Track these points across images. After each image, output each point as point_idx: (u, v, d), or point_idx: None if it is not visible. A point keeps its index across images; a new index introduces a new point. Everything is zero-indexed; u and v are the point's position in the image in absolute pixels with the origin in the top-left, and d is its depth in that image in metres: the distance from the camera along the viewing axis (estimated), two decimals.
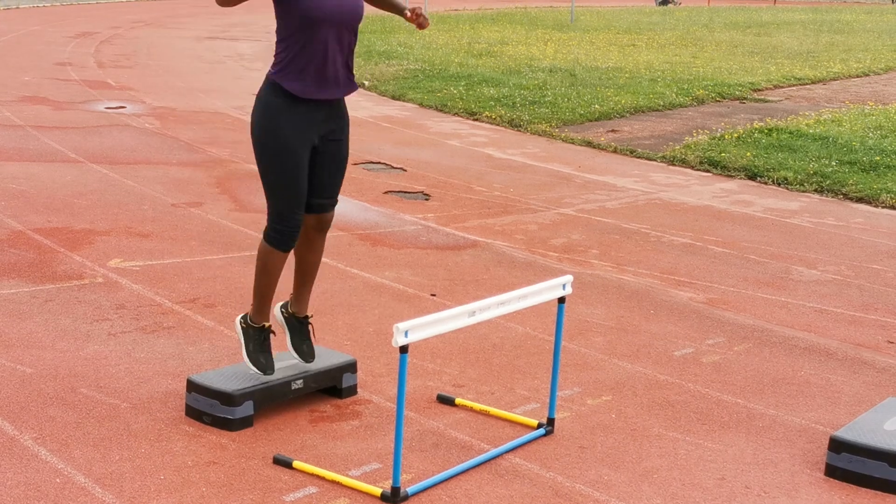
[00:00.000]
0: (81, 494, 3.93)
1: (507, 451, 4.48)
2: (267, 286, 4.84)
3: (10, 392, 4.78)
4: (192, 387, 4.63)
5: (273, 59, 4.67)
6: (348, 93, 4.85)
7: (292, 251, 4.85)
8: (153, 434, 4.46)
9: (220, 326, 5.76)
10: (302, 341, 4.92)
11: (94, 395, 4.81)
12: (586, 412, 4.96)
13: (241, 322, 4.86)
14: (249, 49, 21.55)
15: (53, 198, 8.39)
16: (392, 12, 5.14)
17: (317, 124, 4.76)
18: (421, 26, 4.97)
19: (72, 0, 34.09)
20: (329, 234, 7.70)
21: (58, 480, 4.02)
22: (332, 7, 4.56)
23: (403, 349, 3.85)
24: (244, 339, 4.78)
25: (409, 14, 4.92)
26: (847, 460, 4.36)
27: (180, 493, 3.98)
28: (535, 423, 4.73)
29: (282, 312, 5.01)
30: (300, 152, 4.70)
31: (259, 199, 8.67)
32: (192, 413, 4.62)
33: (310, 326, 4.97)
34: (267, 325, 4.84)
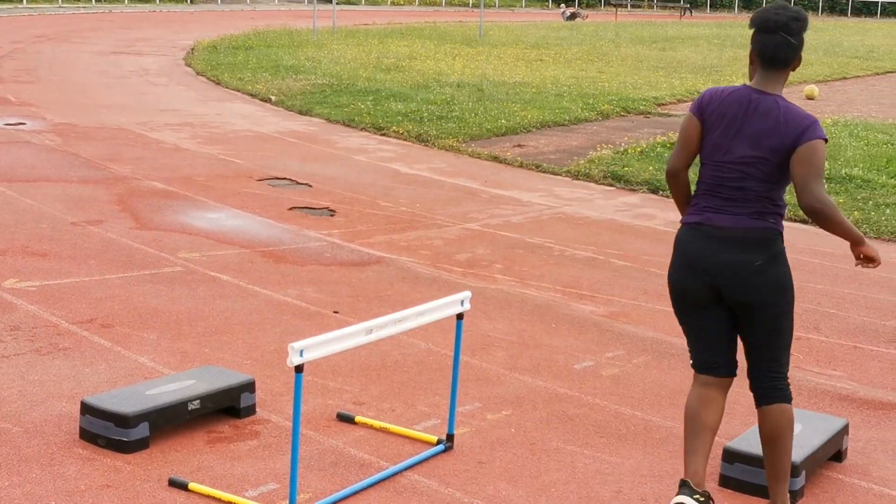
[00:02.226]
0: None
1: (407, 469, 4.49)
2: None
3: None
4: (87, 409, 4.56)
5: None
6: None
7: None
8: (45, 458, 4.38)
9: (118, 347, 5.68)
10: None
11: None
12: (486, 427, 4.98)
13: None
14: (155, 64, 21.29)
15: None
16: None
17: None
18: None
19: None
20: (230, 251, 7.71)
21: None
22: None
23: (299, 369, 3.83)
24: None
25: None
26: (740, 470, 4.45)
27: None
28: (434, 439, 4.74)
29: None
30: None
31: (160, 217, 8.59)
32: (87, 436, 4.55)
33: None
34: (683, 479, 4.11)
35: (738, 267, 4.02)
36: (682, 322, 4.32)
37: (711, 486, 4.47)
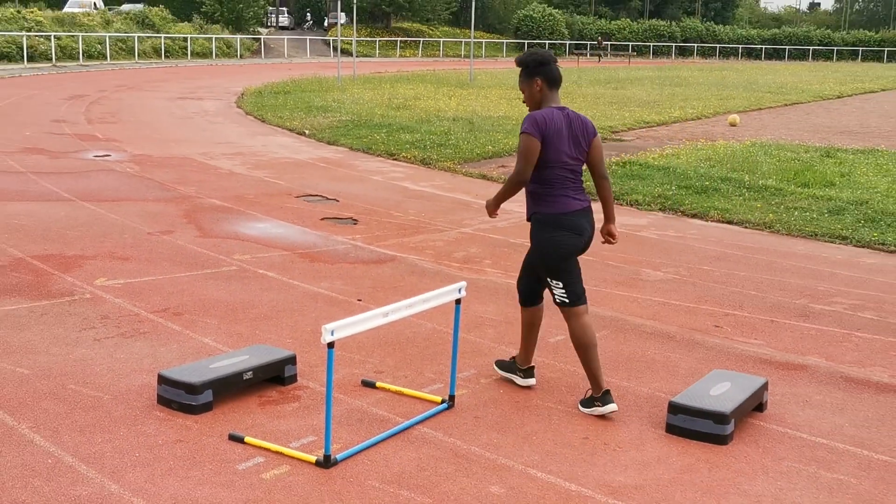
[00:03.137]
0: (69, 472, 3.83)
1: (418, 423, 4.47)
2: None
3: (10, 390, 4.65)
4: (163, 380, 4.55)
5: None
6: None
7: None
8: (130, 419, 4.37)
9: (187, 330, 5.66)
10: None
11: (80, 389, 4.69)
12: (480, 389, 4.97)
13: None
14: (212, 106, 21.27)
15: (49, 230, 8.19)
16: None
17: None
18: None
19: (65, 69, 33.35)
20: (275, 253, 7.69)
21: (49, 461, 3.92)
22: None
23: (330, 345, 3.82)
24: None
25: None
26: (682, 420, 4.44)
27: (152, 467, 3.90)
28: (439, 399, 4.73)
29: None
30: None
31: (218, 226, 8.58)
32: (163, 401, 4.54)
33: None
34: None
35: (592, 230, 4.76)
36: (566, 271, 4.73)
37: (660, 432, 4.47)
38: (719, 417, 4.35)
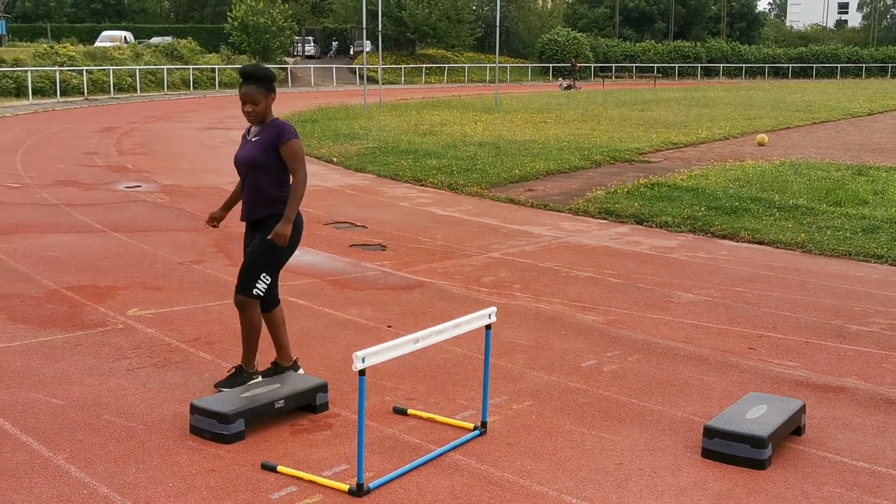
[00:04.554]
0: (104, 502, 3.84)
1: (450, 450, 4.44)
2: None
3: (46, 421, 4.67)
4: (195, 409, 4.56)
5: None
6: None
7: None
8: (163, 449, 4.38)
9: (218, 359, 5.68)
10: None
11: (114, 419, 4.71)
12: (512, 415, 4.93)
13: None
14: (240, 136, 21.42)
15: (82, 261, 8.27)
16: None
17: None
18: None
19: (97, 102, 33.83)
20: (305, 281, 7.71)
21: (84, 492, 3.93)
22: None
23: (361, 372, 3.81)
24: None
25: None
26: (718, 444, 4.38)
27: (185, 497, 3.90)
28: (471, 426, 4.70)
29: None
30: None
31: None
32: (195, 431, 4.54)
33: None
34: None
35: None
36: (278, 269, 5.08)
37: (695, 457, 4.41)
38: (757, 441, 4.28)
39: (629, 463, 4.36)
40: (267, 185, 4.98)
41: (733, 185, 13.03)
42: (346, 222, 10.60)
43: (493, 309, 4.60)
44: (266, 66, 5.35)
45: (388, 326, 6.50)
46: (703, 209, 11.19)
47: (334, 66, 55.61)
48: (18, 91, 33.44)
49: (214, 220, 5.28)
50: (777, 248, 9.49)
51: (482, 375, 5.15)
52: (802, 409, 4.72)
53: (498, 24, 33.94)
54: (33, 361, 5.56)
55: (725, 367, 5.80)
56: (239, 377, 5.10)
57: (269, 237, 4.93)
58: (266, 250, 4.97)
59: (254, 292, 4.97)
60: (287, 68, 52.62)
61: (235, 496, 3.92)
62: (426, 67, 59.05)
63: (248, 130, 5.14)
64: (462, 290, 7.59)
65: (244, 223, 5.16)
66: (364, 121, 24.13)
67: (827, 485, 4.18)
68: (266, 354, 5.51)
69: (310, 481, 4.06)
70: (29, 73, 33.70)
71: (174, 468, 4.17)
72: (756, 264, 8.74)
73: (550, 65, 65.42)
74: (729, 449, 4.34)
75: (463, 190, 13.17)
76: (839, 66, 77.34)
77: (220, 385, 5.07)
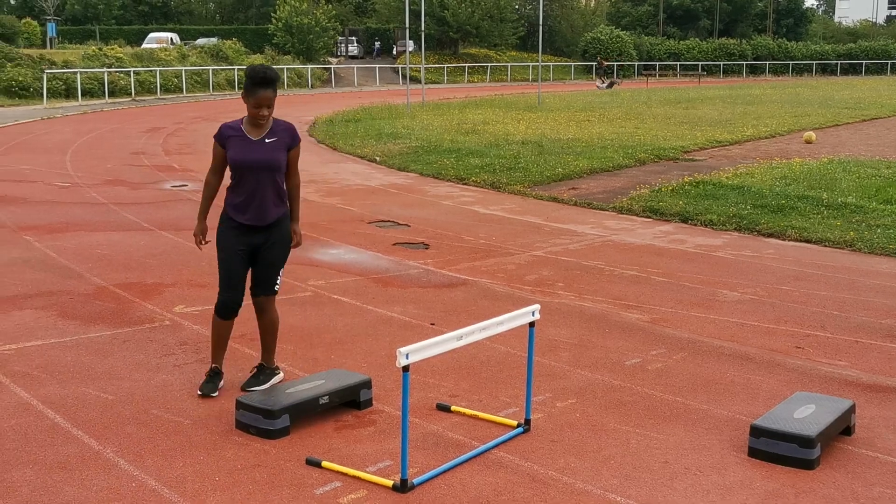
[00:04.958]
0: (152, 495, 3.89)
1: (493, 447, 4.44)
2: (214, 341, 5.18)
3: (96, 415, 4.75)
4: (241, 405, 4.61)
5: None
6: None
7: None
8: (209, 444, 4.43)
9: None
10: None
11: (162, 414, 4.78)
12: (556, 413, 4.92)
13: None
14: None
15: (130, 259, 8.39)
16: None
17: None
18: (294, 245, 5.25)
19: (144, 103, 34.31)
20: (349, 279, 7.75)
21: (133, 485, 3.99)
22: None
23: (405, 368, 3.83)
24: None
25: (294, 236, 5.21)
26: (765, 443, 4.33)
27: (231, 491, 3.95)
28: (514, 423, 4.69)
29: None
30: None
31: (293, 253, 8.67)
32: (241, 426, 4.59)
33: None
34: (214, 366, 5.16)
35: None
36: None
37: (742, 456, 4.36)
38: (805, 441, 4.23)
39: (674, 461, 4.32)
40: (279, 185, 5.03)
41: (780, 183, 12.87)
42: (389, 221, 10.64)
43: (537, 306, 4.59)
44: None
45: (431, 324, 6.51)
46: (748, 207, 11.06)
47: (377, 65, 55.83)
48: (68, 92, 34.02)
49: (205, 237, 5.21)
50: (825, 246, 9.35)
51: (525, 373, 5.14)
52: (852, 409, 4.65)
53: (541, 23, 33.83)
54: (83, 357, 5.66)
55: (772, 366, 5.72)
56: (262, 374, 5.17)
57: (294, 240, 5.16)
58: (287, 250, 5.16)
59: (276, 290, 5.11)
60: (331, 68, 52.94)
61: (280, 491, 3.95)
62: (469, 67, 59.05)
63: (243, 130, 4.97)
64: (505, 288, 7.57)
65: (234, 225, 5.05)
66: (407, 120, 24.20)
67: (877, 485, 4.11)
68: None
69: (354, 477, 4.08)
70: (78, 75, 34.27)
71: (220, 463, 4.22)
72: (803, 263, 8.62)
73: (593, 63, 65.10)
74: (776, 448, 4.28)
75: (506, 188, 13.14)
76: (889, 62, 75.95)
77: (246, 386, 5.11)
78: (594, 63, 61.09)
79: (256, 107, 4.88)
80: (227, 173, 5.10)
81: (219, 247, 5.07)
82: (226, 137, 4.98)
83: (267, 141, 4.97)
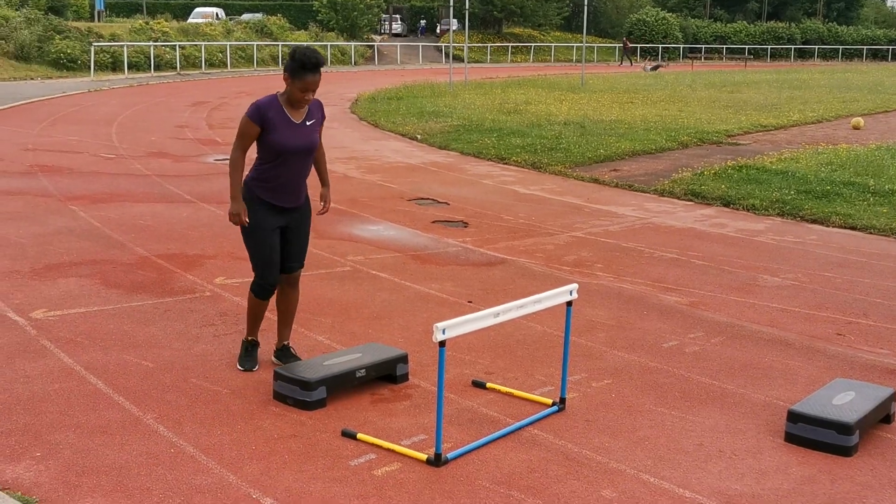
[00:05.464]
0: (191, 461, 3.96)
1: (528, 425, 4.45)
2: (253, 320, 5.14)
3: (136, 382, 4.83)
4: (279, 376, 4.65)
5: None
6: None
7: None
8: (247, 414, 4.48)
9: (302, 328, 5.76)
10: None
11: (201, 383, 4.84)
12: (591, 393, 4.91)
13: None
14: (327, 112, 21.59)
15: (172, 230, 8.49)
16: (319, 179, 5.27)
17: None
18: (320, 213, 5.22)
19: (189, 77, 34.58)
20: (387, 255, 7.78)
21: (172, 451, 4.05)
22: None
23: (442, 344, 3.84)
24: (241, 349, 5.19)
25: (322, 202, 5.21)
26: (802, 429, 4.29)
27: (268, 460, 4.00)
28: (549, 401, 4.69)
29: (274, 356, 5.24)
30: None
31: (333, 229, 8.73)
32: (278, 397, 4.64)
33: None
34: (252, 338, 5.15)
35: None
36: None
37: (778, 441, 4.33)
38: (843, 427, 4.18)
39: (709, 444, 4.30)
40: (310, 165, 5.03)
41: (825, 168, 12.67)
42: (428, 199, 10.65)
43: (575, 286, 4.58)
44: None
45: (469, 302, 6.52)
46: (792, 193, 10.92)
47: (420, 44, 55.71)
48: (115, 65, 34.36)
49: (245, 215, 4.87)
50: (870, 233, 9.21)
51: (562, 352, 5.13)
52: (892, 397, 4.59)
53: (586, 4, 33.51)
54: (125, 325, 5.75)
55: (812, 352, 5.66)
56: (288, 351, 5.18)
57: (323, 206, 5.22)
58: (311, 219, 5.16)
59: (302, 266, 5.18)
60: (374, 46, 52.92)
61: (316, 461, 3.99)
62: (512, 46, 58.72)
63: (283, 112, 4.80)
64: (543, 268, 7.56)
65: (279, 206, 4.90)
66: (449, 99, 24.14)
67: None
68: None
69: (388, 450, 4.11)
70: (125, 48, 34.60)
71: (258, 432, 4.27)
72: (847, 249, 8.49)
73: (638, 45, 64.40)
74: (814, 434, 4.25)
75: (546, 169, 13.09)
76: None
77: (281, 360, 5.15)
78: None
79: (303, 91, 4.74)
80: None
81: (253, 229, 4.87)
82: (267, 119, 4.75)
83: (307, 123, 4.91)
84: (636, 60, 51.50)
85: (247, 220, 4.84)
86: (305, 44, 5.63)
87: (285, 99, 4.83)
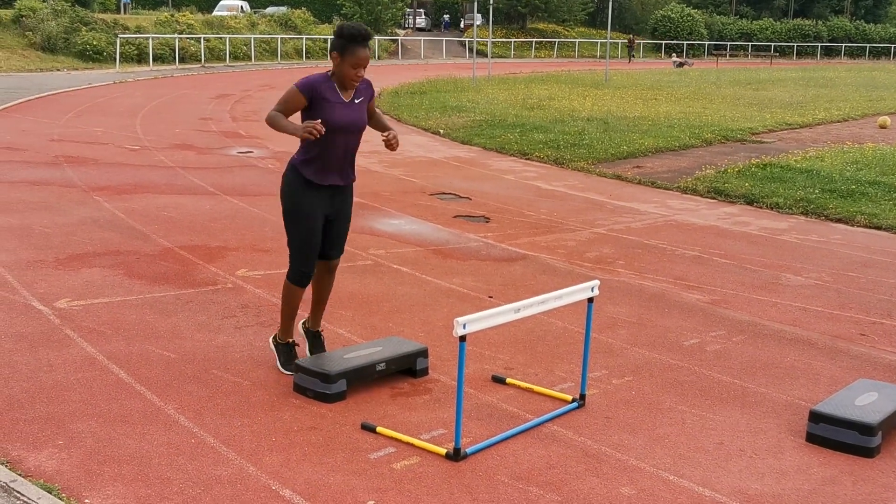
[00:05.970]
0: (211, 452, 3.97)
1: (547, 421, 4.44)
2: (289, 313, 5.00)
3: (158, 372, 4.86)
4: (299, 368, 4.67)
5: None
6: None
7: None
8: (267, 405, 4.50)
9: (322, 321, 5.76)
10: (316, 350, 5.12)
11: (222, 374, 4.87)
12: (611, 390, 4.89)
13: (272, 341, 5.07)
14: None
15: (195, 222, 8.53)
16: (376, 129, 5.09)
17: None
18: (391, 148, 4.90)
19: (213, 69, 34.72)
20: (408, 249, 7.78)
21: (193, 441, 4.07)
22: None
23: (462, 338, 3.84)
24: (277, 354, 5.03)
25: (385, 135, 4.91)
26: (824, 429, 4.26)
27: (287, 452, 4.01)
28: (569, 398, 4.68)
29: (302, 326, 5.25)
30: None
31: (355, 222, 8.73)
32: (299, 389, 4.65)
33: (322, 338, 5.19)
34: (291, 340, 5.03)
35: None
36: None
37: (800, 441, 4.30)
38: (865, 428, 4.15)
39: (729, 443, 4.28)
40: (357, 144, 4.92)
41: (850, 167, 12.56)
42: (450, 193, 10.64)
43: (597, 282, 4.56)
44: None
45: (490, 297, 6.52)
46: (816, 191, 10.83)
47: (444, 38, 55.66)
48: (140, 57, 34.58)
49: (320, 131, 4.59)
50: (895, 233, 9.12)
51: (582, 349, 5.12)
52: None
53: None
54: (147, 315, 5.78)
55: (835, 352, 5.62)
56: (320, 339, 5.17)
57: (392, 134, 4.90)
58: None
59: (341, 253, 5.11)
60: (398, 40, 52.92)
61: (335, 454, 4.00)
62: (536, 42, 58.55)
63: (334, 89, 4.68)
64: (565, 264, 7.54)
65: (320, 185, 4.77)
66: (472, 94, 24.11)
67: None
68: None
69: (407, 443, 4.11)
70: (150, 41, 34.80)
71: (277, 424, 4.29)
72: (872, 249, 8.42)
73: (663, 42, 64.05)
74: (836, 435, 4.21)
75: (569, 165, 13.05)
76: None
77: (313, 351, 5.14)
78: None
79: (355, 66, 4.56)
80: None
81: (299, 215, 4.76)
82: (319, 95, 4.61)
83: (356, 102, 4.75)
84: (638, 58, 51.34)
85: (318, 123, 4.47)
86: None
87: (337, 78, 4.67)
